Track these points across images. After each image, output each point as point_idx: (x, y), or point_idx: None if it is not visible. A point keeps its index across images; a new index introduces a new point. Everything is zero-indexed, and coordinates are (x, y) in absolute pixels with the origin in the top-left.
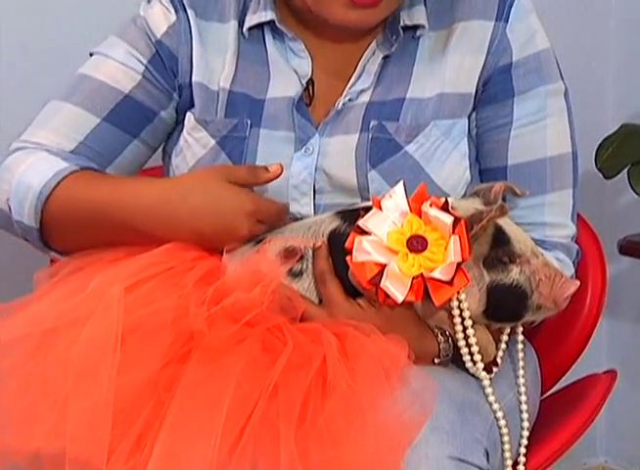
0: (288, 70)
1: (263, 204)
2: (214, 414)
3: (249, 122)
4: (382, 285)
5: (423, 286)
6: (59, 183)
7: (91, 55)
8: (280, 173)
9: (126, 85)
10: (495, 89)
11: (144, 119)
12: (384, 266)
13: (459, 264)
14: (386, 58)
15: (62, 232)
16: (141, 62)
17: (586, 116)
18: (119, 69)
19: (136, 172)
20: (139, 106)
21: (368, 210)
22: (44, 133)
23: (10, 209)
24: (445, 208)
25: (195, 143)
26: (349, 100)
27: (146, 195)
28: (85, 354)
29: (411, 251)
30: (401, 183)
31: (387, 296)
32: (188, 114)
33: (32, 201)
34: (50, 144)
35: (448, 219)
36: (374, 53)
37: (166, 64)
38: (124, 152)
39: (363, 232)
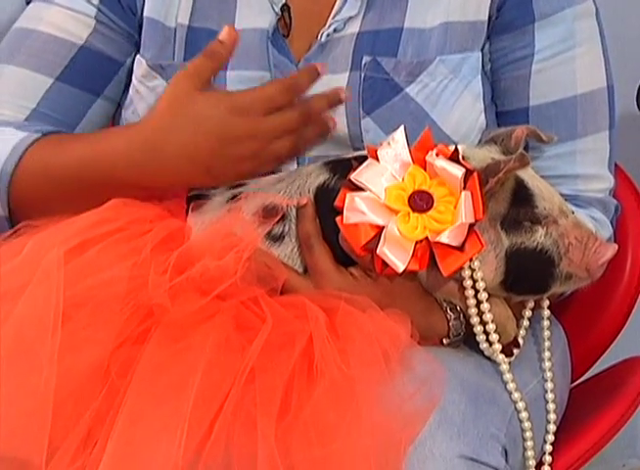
0: None
1: (257, 91)
2: (179, 404)
3: None
4: (379, 251)
5: (428, 252)
6: (22, 157)
7: (28, 3)
8: (235, 35)
9: (79, 34)
10: (512, 14)
11: (106, 72)
12: (381, 229)
13: (471, 226)
14: None
15: (37, 210)
16: (91, 3)
17: (625, 46)
18: (67, 15)
19: None
20: (99, 57)
21: (362, 160)
22: None
23: None
24: (455, 158)
25: (149, 93)
26: (335, 31)
27: (132, 141)
28: (20, 334)
29: (414, 210)
30: (402, 128)
31: (385, 264)
32: (138, 57)
33: None
34: None
35: (458, 172)
36: None
37: (122, 0)
38: (88, 114)
39: (356, 188)
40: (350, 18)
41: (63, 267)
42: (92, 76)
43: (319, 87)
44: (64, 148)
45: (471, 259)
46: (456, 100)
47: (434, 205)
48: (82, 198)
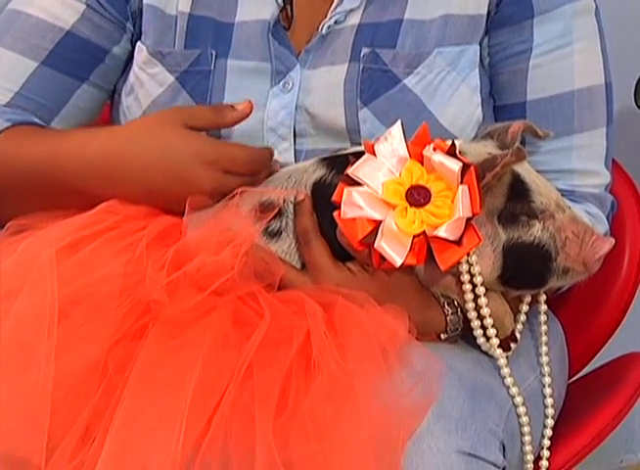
0: None
1: (229, 150)
2: (177, 400)
3: (214, 53)
4: (376, 245)
5: (426, 246)
6: None
7: None
8: (249, 112)
9: (67, 19)
10: (511, 8)
11: (92, 59)
12: (378, 223)
13: (469, 220)
14: None
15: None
16: None
17: (624, 41)
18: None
19: (93, 120)
20: (85, 43)
21: (359, 155)
22: None
23: None
24: (452, 152)
25: (149, 80)
26: (335, 22)
27: (87, 147)
28: (17, 333)
29: (411, 204)
30: (399, 123)
31: (382, 258)
32: (139, 44)
33: None
34: None
35: (456, 166)
36: None
37: None
38: (72, 100)
39: (354, 182)
40: (352, 10)
41: (55, 266)
42: (77, 62)
43: (319, 78)
44: (26, 142)
45: (468, 254)
46: (453, 92)
47: (432, 199)
48: (39, 195)
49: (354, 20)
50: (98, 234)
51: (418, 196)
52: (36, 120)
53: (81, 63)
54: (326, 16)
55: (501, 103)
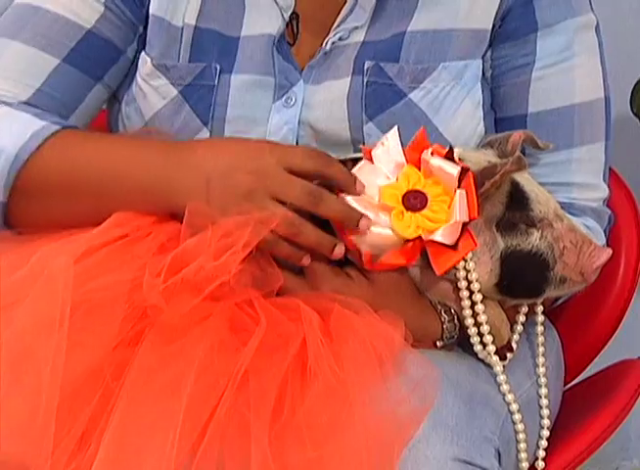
0: (268, 1)
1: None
2: (172, 406)
3: (218, 68)
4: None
5: (420, 250)
6: (41, 145)
7: None
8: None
9: (88, 18)
10: (515, 23)
11: (109, 59)
12: None
13: (465, 225)
14: None
15: (38, 203)
16: None
17: (620, 50)
18: None
19: (91, 122)
20: (104, 43)
21: (357, 161)
22: None
23: None
24: (450, 157)
25: (152, 92)
26: (340, 39)
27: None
28: (23, 337)
29: (408, 209)
30: (395, 129)
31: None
32: (143, 55)
33: (4, 167)
34: (1, 93)
35: (454, 170)
36: None
37: None
38: (87, 99)
39: None
40: (356, 28)
41: (72, 272)
42: (95, 61)
43: (323, 94)
44: (91, 144)
45: (465, 260)
46: (458, 107)
47: (428, 204)
48: (85, 200)
49: (358, 37)
50: (108, 243)
51: (414, 200)
52: (63, 112)
53: (99, 62)
54: (330, 32)
55: (502, 115)
